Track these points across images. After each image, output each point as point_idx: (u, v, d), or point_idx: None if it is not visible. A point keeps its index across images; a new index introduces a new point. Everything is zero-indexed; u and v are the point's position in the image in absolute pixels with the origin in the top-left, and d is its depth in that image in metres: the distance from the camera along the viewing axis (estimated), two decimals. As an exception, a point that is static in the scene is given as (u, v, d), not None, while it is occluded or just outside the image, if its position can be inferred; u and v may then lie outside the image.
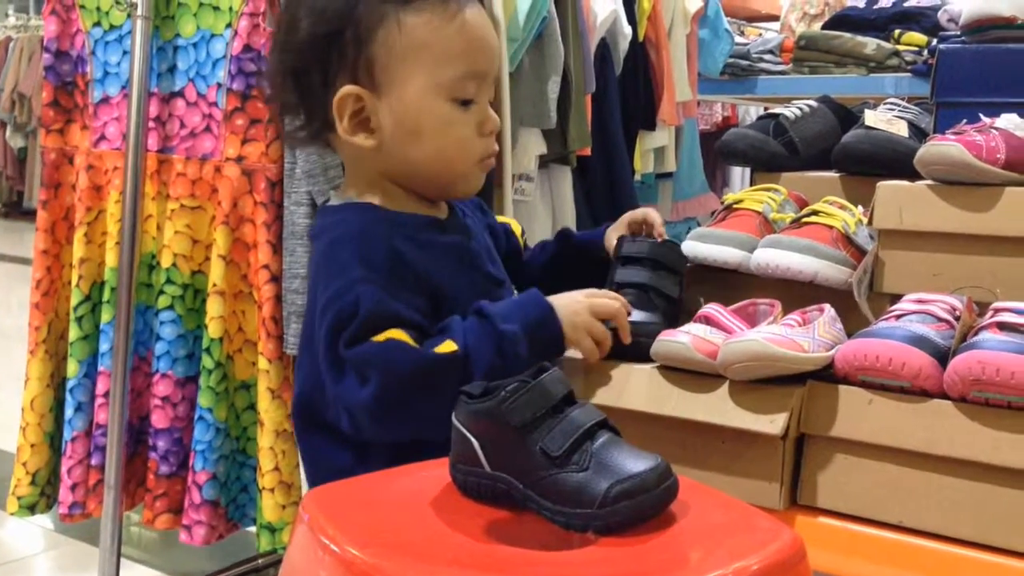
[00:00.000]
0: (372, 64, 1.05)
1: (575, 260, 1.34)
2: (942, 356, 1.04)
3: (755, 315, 1.18)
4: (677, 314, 1.26)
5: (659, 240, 1.31)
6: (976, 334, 1.06)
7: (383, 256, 1.04)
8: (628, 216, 1.35)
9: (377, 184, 1.11)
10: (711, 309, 1.15)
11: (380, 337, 1.00)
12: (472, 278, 1.12)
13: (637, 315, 1.19)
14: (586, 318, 1.10)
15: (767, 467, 1.07)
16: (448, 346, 1.01)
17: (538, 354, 1.01)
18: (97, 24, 1.85)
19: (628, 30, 2.54)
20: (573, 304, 1.10)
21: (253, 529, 1.79)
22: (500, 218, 1.29)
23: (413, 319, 1.03)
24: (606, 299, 1.13)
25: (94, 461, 1.83)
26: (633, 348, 1.16)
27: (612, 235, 1.34)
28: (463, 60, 1.07)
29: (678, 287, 1.29)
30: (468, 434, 0.86)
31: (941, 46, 1.70)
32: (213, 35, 1.73)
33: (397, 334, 1.00)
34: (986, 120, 1.39)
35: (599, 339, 1.11)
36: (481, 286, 1.13)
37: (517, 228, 1.32)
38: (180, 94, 1.78)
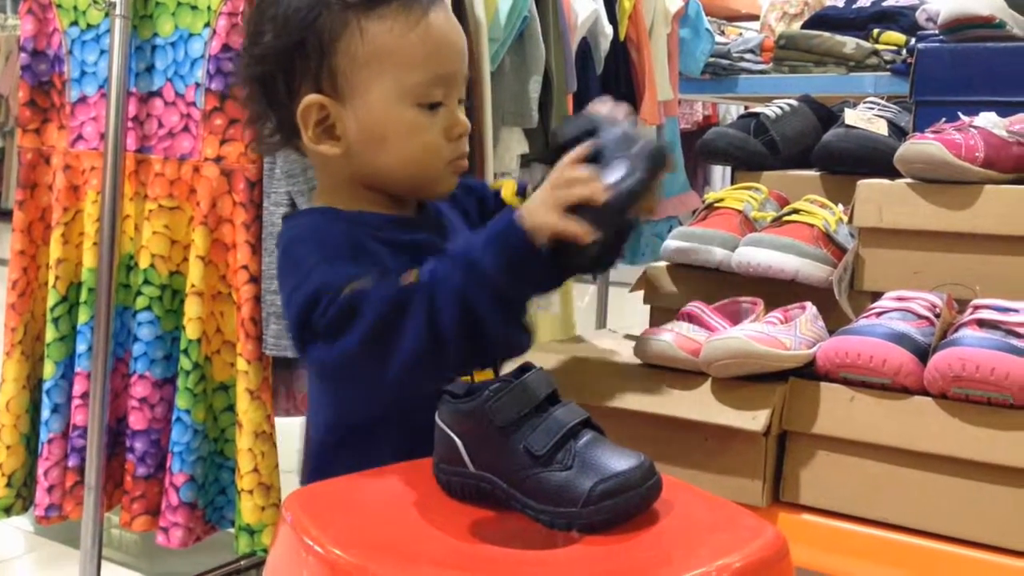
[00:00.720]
0: (335, 73, 1.05)
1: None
2: (923, 353, 1.05)
3: (738, 313, 1.18)
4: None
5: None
6: (956, 331, 1.06)
7: (339, 242, 1.02)
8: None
9: (345, 188, 1.10)
10: (694, 307, 1.15)
11: (349, 288, 0.96)
12: None
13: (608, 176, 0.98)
14: (549, 217, 0.95)
15: (750, 464, 1.07)
16: (410, 275, 0.97)
17: (510, 263, 0.94)
18: (74, 23, 1.84)
19: (609, 30, 2.54)
20: (535, 204, 0.97)
21: (232, 531, 1.78)
22: (499, 183, 1.24)
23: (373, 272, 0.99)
24: (565, 187, 0.96)
25: (71, 463, 1.82)
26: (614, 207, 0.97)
27: None
28: (427, 65, 1.05)
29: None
30: (451, 434, 0.85)
31: (920, 45, 1.71)
32: (191, 34, 1.72)
33: (356, 284, 0.97)
34: (965, 119, 1.40)
35: (572, 232, 0.95)
36: None
37: (510, 186, 1.23)
38: (158, 94, 1.77)
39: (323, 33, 1.04)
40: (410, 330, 0.93)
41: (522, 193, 1.21)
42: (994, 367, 0.98)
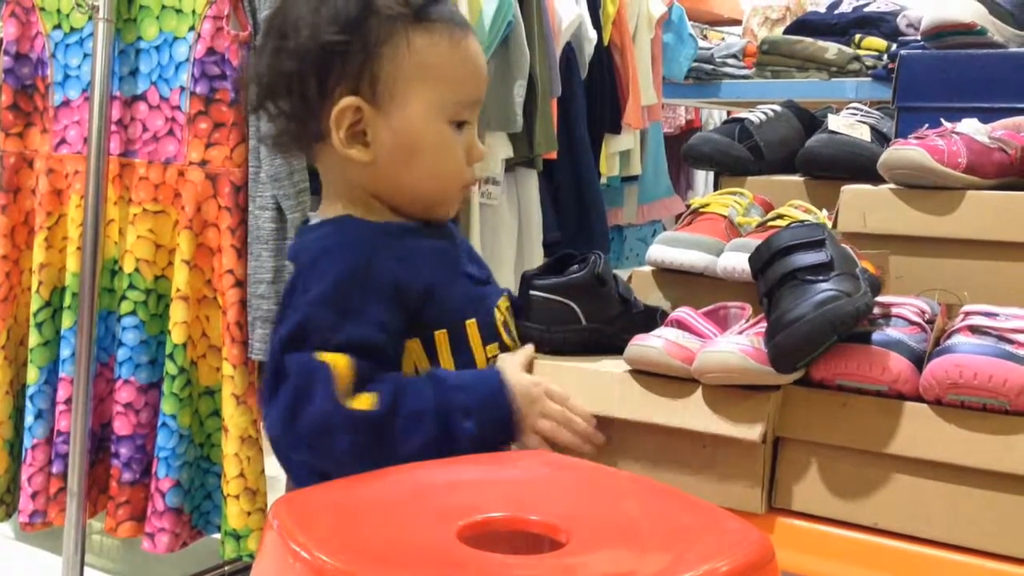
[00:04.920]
0: (376, 78, 1.04)
1: None
2: (918, 360, 1.05)
3: (726, 318, 1.18)
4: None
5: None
6: (948, 337, 1.06)
7: (354, 271, 1.02)
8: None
9: (359, 198, 1.10)
10: (683, 313, 1.15)
11: (319, 356, 0.98)
12: (453, 278, 1.11)
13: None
14: (536, 421, 1.07)
15: (748, 472, 1.07)
16: (364, 401, 0.99)
17: (487, 435, 1.02)
18: (57, 27, 1.83)
19: (593, 34, 2.55)
20: (528, 397, 1.07)
21: (218, 536, 1.78)
22: None
23: (366, 338, 1.00)
24: (559, 406, 1.09)
25: (55, 469, 1.81)
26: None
27: None
28: (464, 86, 1.08)
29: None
30: (566, 300, 1.16)
31: (902, 52, 1.72)
32: (176, 38, 1.72)
33: (333, 359, 0.98)
34: (947, 125, 1.41)
35: (549, 437, 1.08)
36: (463, 286, 1.12)
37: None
38: (142, 97, 1.77)
39: (369, 37, 1.04)
40: (335, 453, 0.98)
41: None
42: (992, 374, 0.97)
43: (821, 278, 1.04)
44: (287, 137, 1.11)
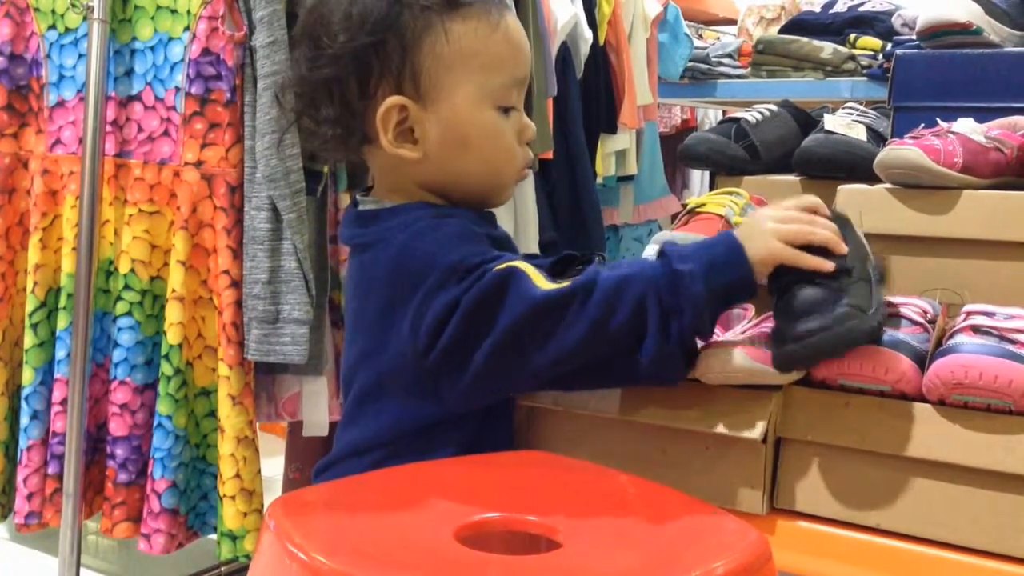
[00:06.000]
0: (418, 73, 1.03)
1: None
2: (921, 360, 1.04)
3: (729, 318, 1.18)
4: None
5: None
6: (951, 337, 1.06)
7: (462, 230, 1.02)
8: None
9: (416, 194, 1.08)
10: (685, 313, 1.15)
11: (500, 266, 0.96)
12: None
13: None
14: (781, 251, 0.99)
15: (749, 473, 1.06)
16: (564, 283, 0.96)
17: (718, 293, 0.96)
18: (52, 27, 1.83)
19: (589, 34, 2.55)
20: (758, 236, 0.99)
21: (214, 537, 1.78)
22: None
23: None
24: (798, 223, 1.00)
25: (51, 470, 1.80)
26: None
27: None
28: (508, 67, 1.06)
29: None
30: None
31: (898, 52, 1.72)
32: (171, 38, 1.72)
33: (512, 264, 0.96)
34: (943, 124, 1.41)
35: (809, 263, 1.00)
36: None
37: None
38: (138, 98, 1.76)
39: (406, 32, 1.02)
40: (582, 319, 0.94)
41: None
42: (997, 375, 0.97)
43: (836, 284, 1.03)
44: (333, 143, 1.09)
